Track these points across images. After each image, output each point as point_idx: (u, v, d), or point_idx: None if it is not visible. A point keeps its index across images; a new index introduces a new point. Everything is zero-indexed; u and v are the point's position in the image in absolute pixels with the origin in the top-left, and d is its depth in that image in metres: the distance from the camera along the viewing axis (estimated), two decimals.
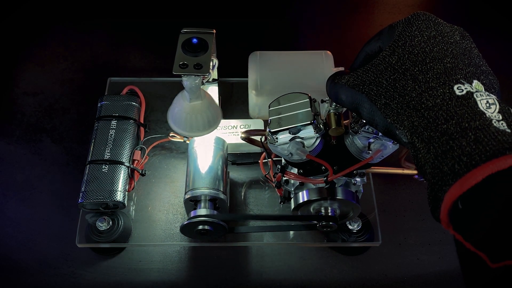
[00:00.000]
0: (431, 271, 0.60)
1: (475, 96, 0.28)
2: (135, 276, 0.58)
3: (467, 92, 0.28)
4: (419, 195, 0.65)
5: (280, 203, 0.55)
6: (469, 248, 0.25)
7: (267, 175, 0.56)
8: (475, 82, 0.30)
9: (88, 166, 0.58)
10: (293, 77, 0.65)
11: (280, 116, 0.45)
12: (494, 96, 0.28)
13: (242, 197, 0.63)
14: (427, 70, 0.31)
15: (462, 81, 0.30)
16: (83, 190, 0.56)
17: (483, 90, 0.29)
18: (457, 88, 0.29)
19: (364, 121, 0.40)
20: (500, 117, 0.27)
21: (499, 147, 0.25)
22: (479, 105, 0.27)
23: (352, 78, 0.35)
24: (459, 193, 0.25)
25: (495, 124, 0.26)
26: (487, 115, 0.27)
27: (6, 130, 0.70)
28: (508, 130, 0.26)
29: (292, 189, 0.52)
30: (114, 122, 0.62)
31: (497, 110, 0.27)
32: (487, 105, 0.27)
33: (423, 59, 0.31)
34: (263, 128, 0.64)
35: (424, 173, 0.29)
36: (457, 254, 0.27)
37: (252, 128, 0.65)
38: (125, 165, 0.59)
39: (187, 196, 0.55)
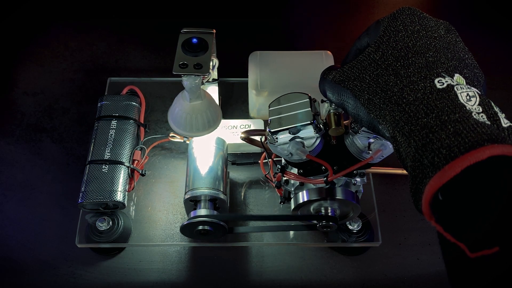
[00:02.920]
0: (431, 271, 0.60)
1: (455, 89, 0.28)
2: (135, 276, 0.58)
3: (448, 85, 0.29)
4: None
5: (280, 203, 0.55)
6: (449, 239, 0.25)
7: (267, 175, 0.56)
8: (457, 75, 0.30)
9: (88, 166, 0.58)
10: (293, 77, 0.65)
11: (280, 116, 0.45)
12: (474, 89, 0.28)
13: (242, 197, 0.63)
14: (409, 64, 0.31)
15: (443, 74, 0.30)
16: (83, 190, 0.56)
17: (464, 83, 0.30)
18: (438, 82, 0.29)
19: (351, 116, 0.40)
20: (480, 109, 0.27)
21: (478, 138, 0.25)
22: (460, 98, 0.28)
23: (338, 74, 0.36)
24: (439, 185, 0.25)
25: (475, 116, 0.26)
26: (467, 108, 0.27)
27: (6, 130, 0.70)
28: (488, 122, 0.26)
29: (292, 189, 0.52)
30: (114, 122, 0.62)
31: (477, 102, 0.27)
32: (468, 97, 0.28)
33: (406, 54, 0.32)
34: (263, 128, 0.64)
35: (406, 167, 0.29)
36: (442, 256, 0.27)
37: (252, 128, 0.65)
38: (125, 165, 0.59)
39: (187, 196, 0.55)
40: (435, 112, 0.27)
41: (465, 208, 0.24)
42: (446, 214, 0.25)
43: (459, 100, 0.27)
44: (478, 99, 0.28)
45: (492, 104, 0.28)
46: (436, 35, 0.33)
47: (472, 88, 0.29)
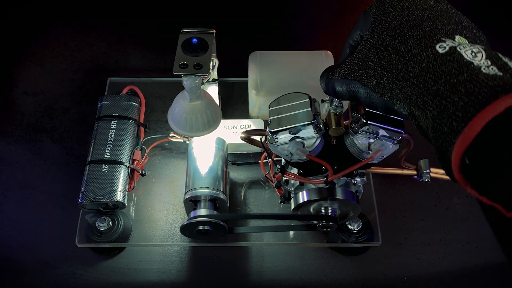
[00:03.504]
0: (431, 271, 0.60)
1: (458, 49, 0.28)
2: (135, 276, 0.58)
3: (450, 47, 0.28)
4: (419, 195, 0.65)
5: (280, 203, 0.55)
6: (485, 203, 0.24)
7: (267, 175, 0.56)
8: (457, 37, 0.30)
9: (88, 166, 0.58)
10: (293, 77, 0.65)
11: (280, 116, 0.45)
12: (478, 45, 0.28)
13: (242, 197, 0.63)
14: (406, 39, 0.31)
15: (443, 39, 0.30)
16: (83, 190, 0.56)
17: (467, 42, 0.29)
18: (439, 47, 0.29)
19: (365, 107, 0.40)
20: (489, 63, 0.26)
21: (491, 92, 0.24)
22: (465, 57, 0.27)
23: (343, 69, 0.36)
24: (463, 149, 0.25)
25: (484, 71, 0.26)
26: (475, 64, 0.26)
27: (6, 130, 0.70)
28: (500, 73, 0.25)
29: (292, 189, 0.52)
30: (114, 122, 0.62)
31: (484, 56, 0.27)
32: (473, 54, 0.27)
33: (401, 30, 0.32)
34: (263, 128, 0.64)
35: (429, 140, 0.29)
36: (490, 227, 0.26)
37: (252, 128, 0.65)
38: (125, 165, 0.59)
39: (187, 196, 0.55)
40: (443, 78, 0.27)
41: (492, 166, 0.24)
42: (476, 176, 0.25)
43: (465, 59, 0.27)
44: (484, 53, 0.27)
45: (500, 55, 0.27)
46: (426, 6, 0.33)
47: (475, 45, 0.28)
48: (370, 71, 0.33)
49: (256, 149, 0.61)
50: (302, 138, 0.45)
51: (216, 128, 0.59)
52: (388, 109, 0.33)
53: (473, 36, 0.32)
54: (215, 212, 0.55)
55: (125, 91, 0.67)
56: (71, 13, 0.86)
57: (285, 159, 0.49)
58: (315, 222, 0.52)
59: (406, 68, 0.30)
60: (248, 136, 0.53)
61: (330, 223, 0.51)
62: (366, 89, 0.34)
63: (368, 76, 0.33)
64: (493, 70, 0.26)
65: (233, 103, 0.72)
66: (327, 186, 0.49)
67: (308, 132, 0.44)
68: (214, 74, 0.62)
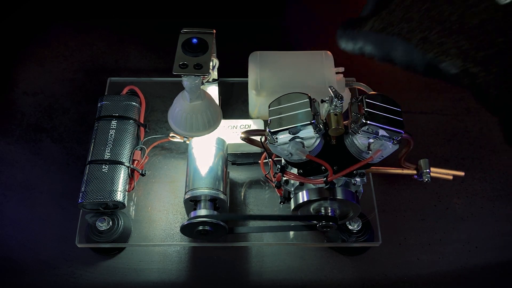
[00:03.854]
0: (431, 271, 0.60)
1: None
2: (135, 276, 0.58)
3: None
4: (419, 195, 0.65)
5: (280, 203, 0.55)
6: None
7: (267, 175, 0.56)
8: None
9: (88, 166, 0.58)
10: (293, 77, 0.65)
11: (280, 116, 0.45)
12: None
13: (242, 197, 0.63)
14: None
15: None
16: (83, 190, 0.56)
17: None
18: None
19: (400, 66, 0.37)
20: None
21: None
22: None
23: (377, 22, 0.33)
24: None
25: None
26: None
27: (6, 130, 0.70)
28: None
29: (292, 189, 0.52)
30: (114, 122, 0.62)
31: None
32: None
33: None
34: (263, 128, 0.64)
35: (485, 100, 0.27)
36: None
37: (252, 128, 0.65)
38: (125, 165, 0.59)
39: (187, 196, 0.55)
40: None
41: None
42: None
43: None
44: None
45: None
46: None
47: None
48: (415, 24, 0.30)
49: (256, 149, 0.61)
50: (302, 138, 0.45)
51: (216, 128, 0.59)
52: (431, 67, 0.30)
53: None
54: (215, 212, 0.55)
55: (125, 91, 0.67)
56: (71, 13, 0.86)
57: (285, 159, 0.49)
58: (315, 222, 0.52)
59: (462, 20, 0.28)
60: (248, 136, 0.53)
61: (330, 223, 0.51)
62: (407, 45, 0.31)
63: (411, 30, 0.31)
64: None
65: (233, 103, 0.72)
66: (327, 186, 0.49)
67: (308, 132, 0.44)
68: (214, 74, 0.62)
